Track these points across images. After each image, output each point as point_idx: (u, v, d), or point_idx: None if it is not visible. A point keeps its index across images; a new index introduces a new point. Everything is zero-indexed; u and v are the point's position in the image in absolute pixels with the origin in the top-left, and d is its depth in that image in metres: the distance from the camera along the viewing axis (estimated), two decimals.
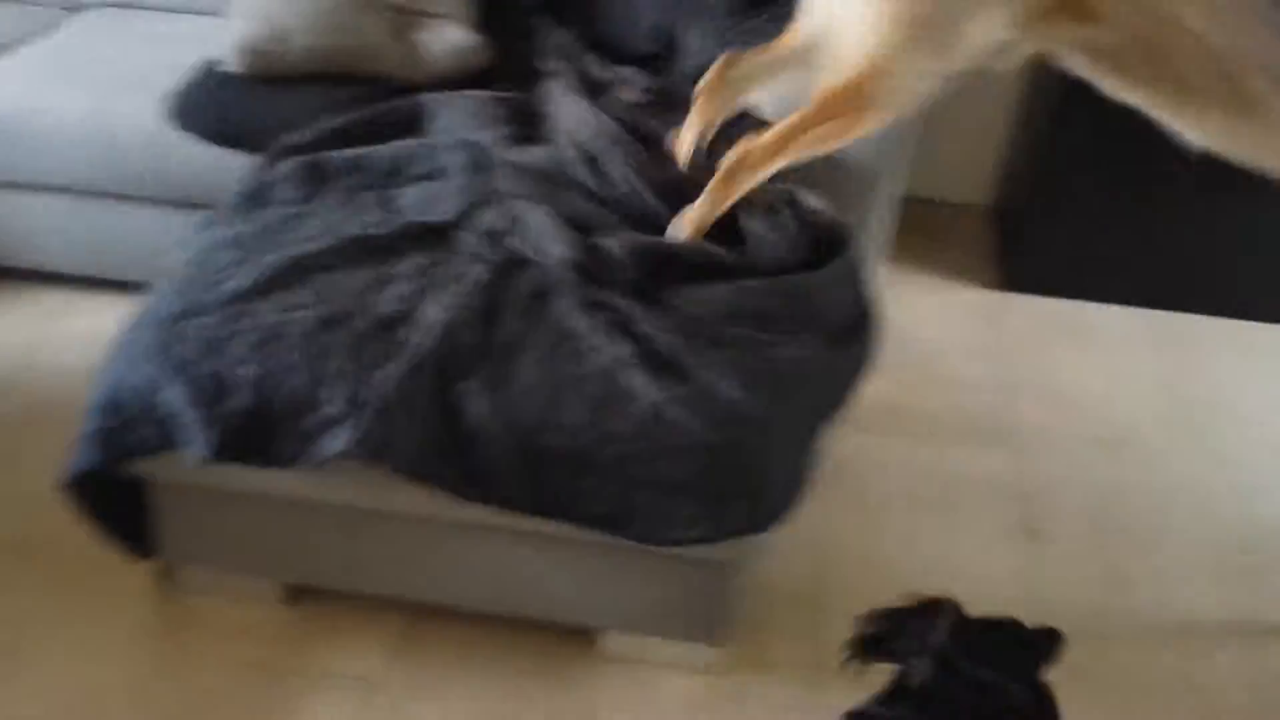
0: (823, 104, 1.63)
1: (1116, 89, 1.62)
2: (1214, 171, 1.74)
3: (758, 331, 1.57)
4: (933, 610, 1.28)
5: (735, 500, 1.49)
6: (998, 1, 1.55)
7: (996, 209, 2.93)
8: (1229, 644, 1.79)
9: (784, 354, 1.56)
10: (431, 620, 1.73)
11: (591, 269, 1.63)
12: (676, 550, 1.53)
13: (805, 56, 1.74)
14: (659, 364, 1.51)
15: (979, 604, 1.25)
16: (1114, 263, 2.61)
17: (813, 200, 1.78)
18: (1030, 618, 1.27)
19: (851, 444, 2.01)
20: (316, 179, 1.83)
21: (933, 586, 1.30)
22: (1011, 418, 2.23)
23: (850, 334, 1.69)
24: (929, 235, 2.79)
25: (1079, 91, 1.71)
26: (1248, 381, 2.39)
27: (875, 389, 1.78)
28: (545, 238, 1.67)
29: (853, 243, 1.77)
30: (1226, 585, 1.89)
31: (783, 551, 1.78)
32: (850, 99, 1.60)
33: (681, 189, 1.75)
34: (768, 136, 1.67)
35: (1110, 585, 1.87)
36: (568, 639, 1.71)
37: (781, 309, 1.62)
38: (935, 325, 2.52)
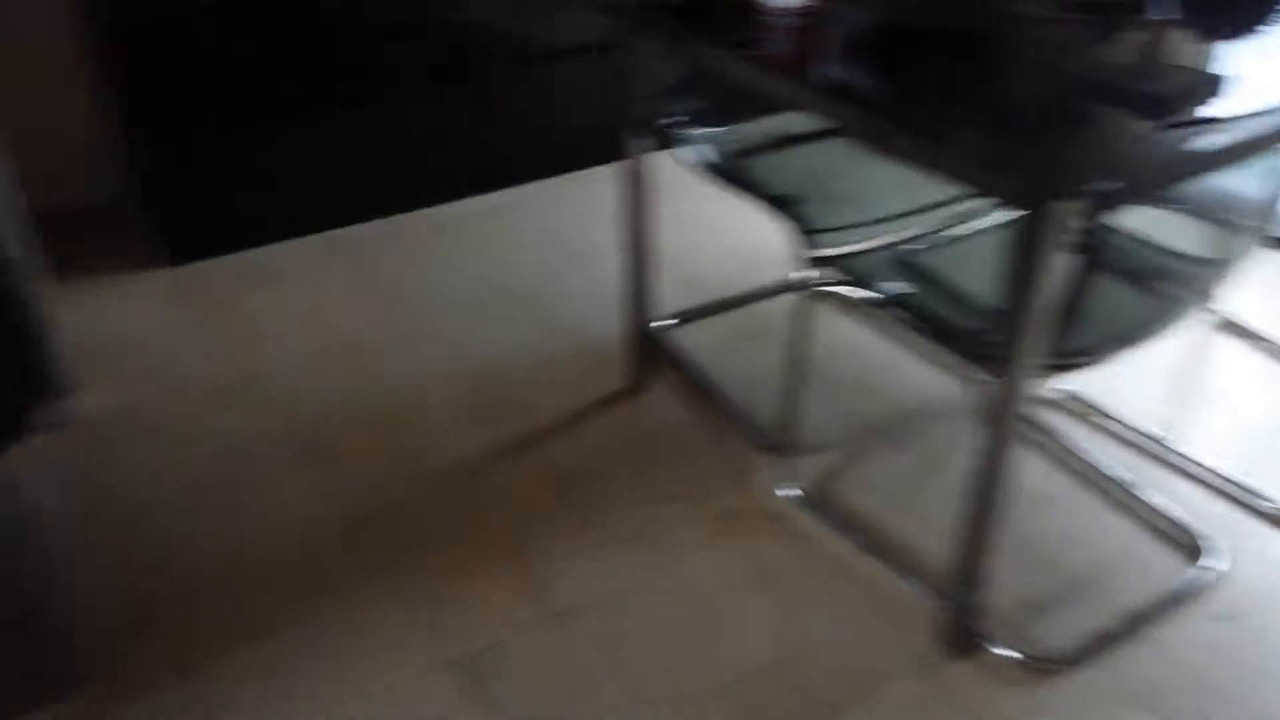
0: None
1: None
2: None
3: None
4: None
5: None
6: None
7: (132, 193, 2.77)
8: None
9: None
10: None
11: None
12: None
13: None
14: None
15: None
16: (268, 203, 2.69)
17: None
18: None
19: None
20: None
21: None
22: (244, 369, 2.24)
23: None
24: (82, 243, 2.69)
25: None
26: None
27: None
28: None
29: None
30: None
31: None
32: None
33: None
34: None
35: None
36: None
37: None
38: (133, 321, 2.40)
